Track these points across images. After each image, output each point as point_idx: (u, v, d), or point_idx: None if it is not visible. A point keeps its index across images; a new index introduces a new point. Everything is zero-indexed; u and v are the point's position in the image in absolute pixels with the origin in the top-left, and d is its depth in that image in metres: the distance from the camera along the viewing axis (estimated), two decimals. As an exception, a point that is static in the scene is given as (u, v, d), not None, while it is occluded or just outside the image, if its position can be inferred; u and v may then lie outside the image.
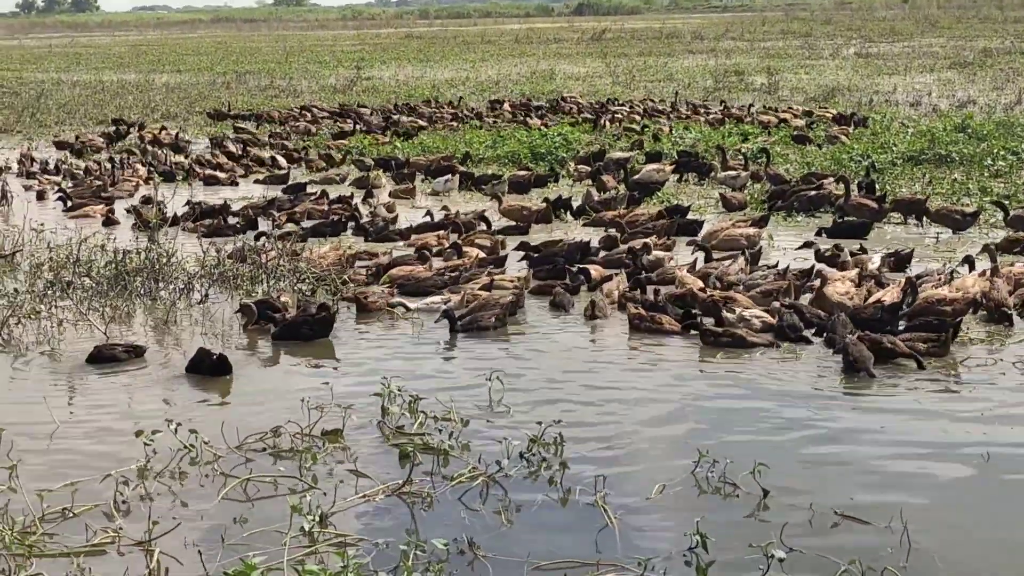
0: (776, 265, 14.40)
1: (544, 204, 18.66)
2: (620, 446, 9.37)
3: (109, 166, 24.25)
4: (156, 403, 10.66)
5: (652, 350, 11.92)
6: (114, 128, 31.80)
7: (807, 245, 15.27)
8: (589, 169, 22.11)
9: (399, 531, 7.93)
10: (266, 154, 25.98)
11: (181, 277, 14.40)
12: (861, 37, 68.68)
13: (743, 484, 8.44)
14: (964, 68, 44.93)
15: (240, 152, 26.54)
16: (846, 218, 17.22)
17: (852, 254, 14.67)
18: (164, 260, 14.58)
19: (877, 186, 19.13)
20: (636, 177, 20.62)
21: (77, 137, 30.66)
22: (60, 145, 29.66)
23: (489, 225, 17.39)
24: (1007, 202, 17.33)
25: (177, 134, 29.76)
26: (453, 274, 14.50)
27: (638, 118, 30.27)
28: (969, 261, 13.80)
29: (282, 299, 13.43)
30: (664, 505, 8.31)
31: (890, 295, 12.64)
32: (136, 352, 11.88)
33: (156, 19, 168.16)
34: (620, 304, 13.22)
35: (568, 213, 18.70)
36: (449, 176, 21.99)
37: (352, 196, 20.51)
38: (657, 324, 12.39)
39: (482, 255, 15.50)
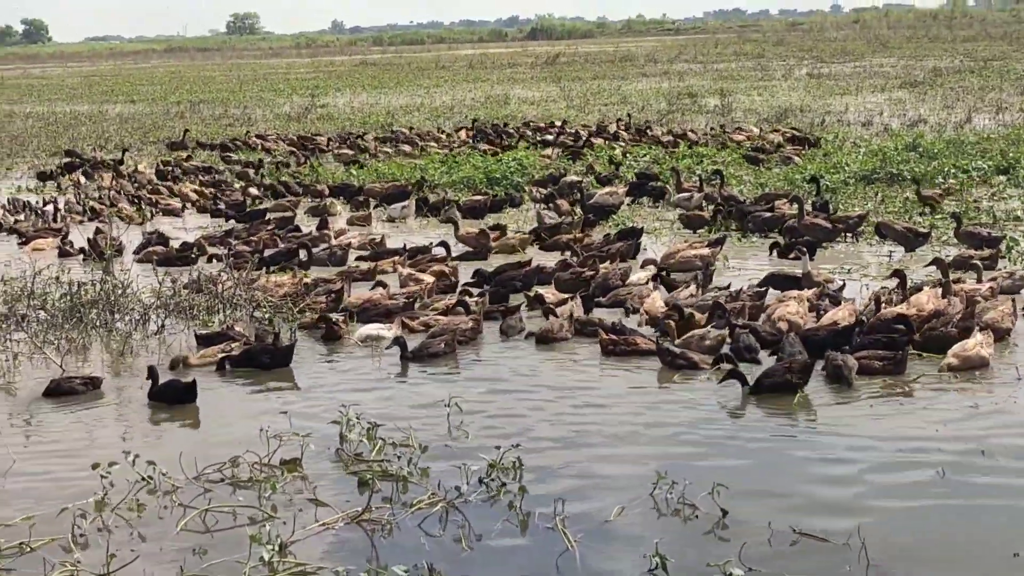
0: (728, 287, 14.45)
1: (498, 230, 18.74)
2: (578, 469, 9.39)
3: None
4: (114, 435, 10.62)
5: (609, 372, 11.97)
6: (66, 160, 31.56)
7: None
8: (545, 192, 22.22)
9: (359, 558, 7.93)
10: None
11: (137, 308, 14.33)
12: (813, 58, 69.31)
13: (702, 505, 8.48)
14: (915, 87, 45.38)
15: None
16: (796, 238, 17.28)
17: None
18: (119, 291, 14.52)
19: (831, 206, 19.30)
20: (592, 201, 20.71)
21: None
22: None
23: (449, 251, 17.39)
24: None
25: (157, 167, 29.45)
26: (408, 300, 14.49)
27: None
28: (899, 276, 13.91)
29: (236, 329, 13.43)
30: (623, 527, 8.33)
31: (843, 315, 12.72)
32: (93, 384, 11.82)
33: (109, 49, 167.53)
34: (577, 328, 13.24)
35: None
36: (405, 203, 22.01)
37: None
38: (632, 345, 12.44)
39: (431, 281, 15.49)
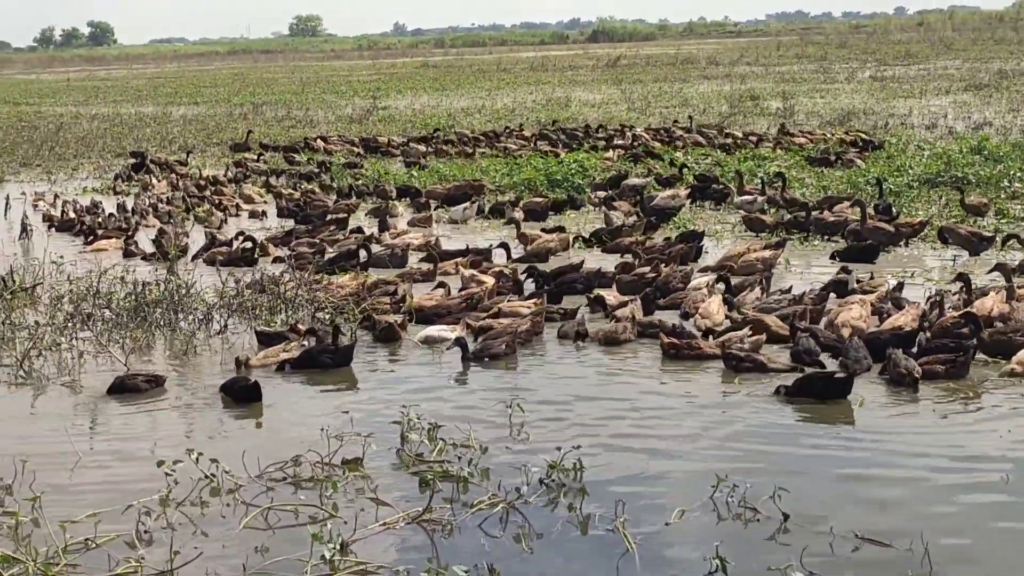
0: (790, 290, 14.41)
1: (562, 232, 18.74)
2: (639, 471, 9.39)
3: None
4: (177, 433, 10.72)
5: (670, 375, 11.95)
6: (133, 161, 31.84)
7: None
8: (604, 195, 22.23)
9: (420, 558, 7.96)
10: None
11: (200, 308, 14.46)
12: (876, 60, 68.78)
13: (763, 508, 8.46)
14: (980, 90, 44.94)
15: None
16: (859, 242, 17.17)
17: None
18: (183, 291, 14.66)
19: (894, 209, 19.17)
20: (653, 203, 20.67)
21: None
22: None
23: (510, 254, 17.40)
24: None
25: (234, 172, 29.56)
26: (469, 302, 14.53)
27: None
28: (964, 279, 13.82)
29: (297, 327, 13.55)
30: (684, 530, 8.32)
31: (906, 319, 12.63)
32: (157, 382, 11.94)
33: (173, 51, 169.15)
34: (639, 331, 13.22)
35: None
36: (467, 204, 22.05)
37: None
38: (696, 349, 12.42)
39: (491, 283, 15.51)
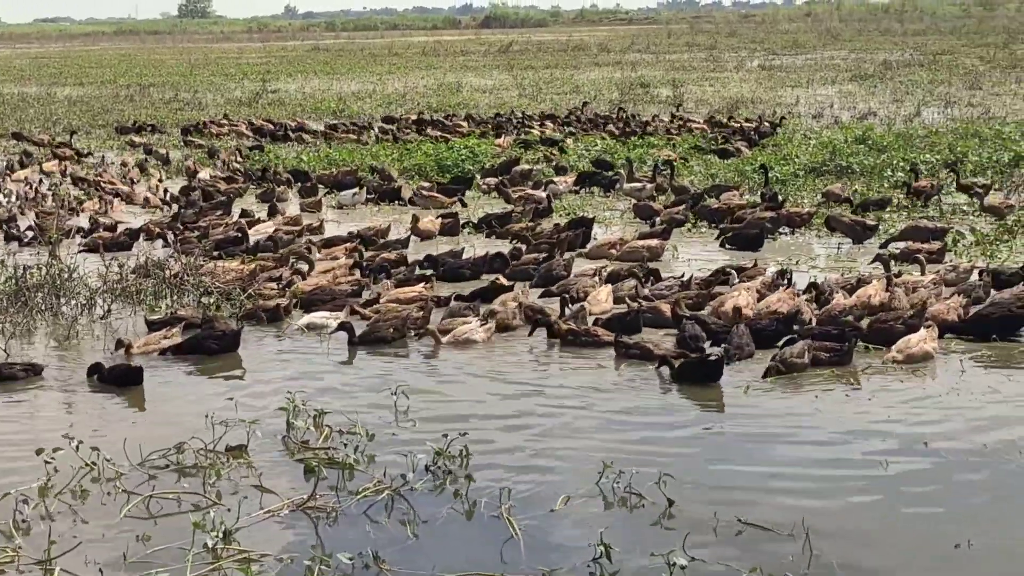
0: (682, 276, 14.54)
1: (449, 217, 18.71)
2: (525, 457, 9.41)
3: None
4: (58, 420, 10.52)
5: (556, 361, 11.99)
6: (14, 142, 31.26)
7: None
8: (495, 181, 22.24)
9: (304, 546, 7.92)
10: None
11: (83, 292, 14.22)
12: (765, 49, 69.57)
13: (648, 494, 8.51)
14: (865, 80, 45.62)
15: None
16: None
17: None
18: (66, 275, 14.40)
19: (780, 197, 19.40)
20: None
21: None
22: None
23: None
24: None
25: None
26: (356, 287, 14.47)
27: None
28: (882, 260, 14.22)
29: (180, 313, 13.40)
30: (569, 516, 8.36)
31: (785, 305, 12.82)
32: (34, 371, 11.70)
33: (58, 31, 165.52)
34: (527, 316, 13.22)
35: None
36: (356, 190, 21.92)
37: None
38: (594, 336, 12.47)
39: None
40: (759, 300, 13.25)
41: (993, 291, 13.38)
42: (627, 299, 13.64)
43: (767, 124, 30.26)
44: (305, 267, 15.33)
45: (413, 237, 17.89)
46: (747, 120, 31.58)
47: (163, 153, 28.52)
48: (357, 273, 15.19)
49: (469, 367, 11.84)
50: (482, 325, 12.71)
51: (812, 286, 13.66)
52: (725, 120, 31.60)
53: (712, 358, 11.20)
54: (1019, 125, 27.92)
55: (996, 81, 43.56)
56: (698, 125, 30.59)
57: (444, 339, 12.54)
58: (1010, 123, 28.73)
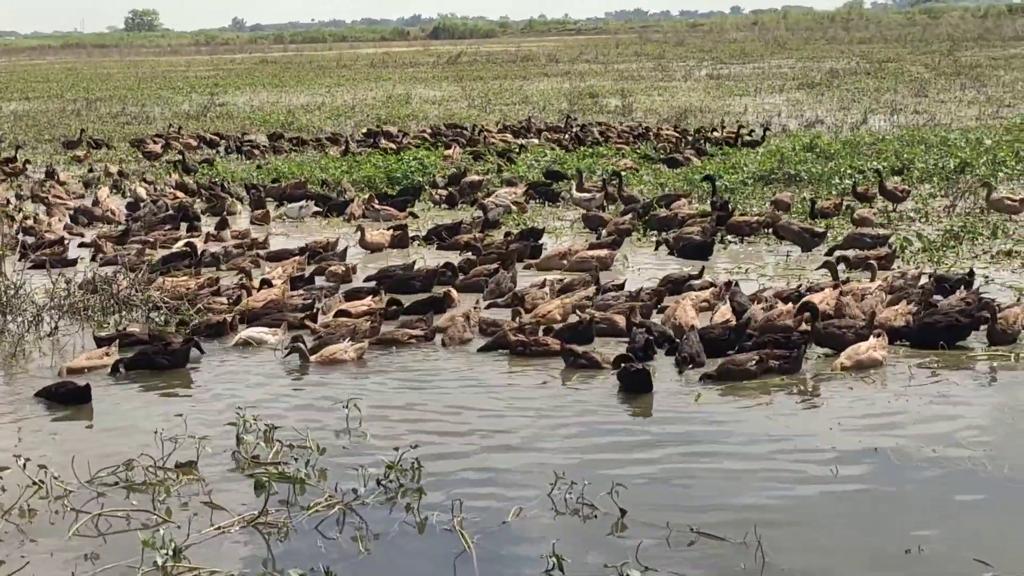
0: (632, 287, 14.57)
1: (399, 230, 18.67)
2: (478, 470, 9.39)
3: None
4: (4, 439, 10.40)
5: (506, 374, 11.98)
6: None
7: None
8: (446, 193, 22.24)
9: (255, 562, 7.87)
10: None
11: (30, 309, 14.08)
12: (712, 59, 69.94)
13: (601, 505, 8.51)
14: (812, 89, 45.98)
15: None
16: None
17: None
18: (12, 292, 14.25)
19: (730, 206, 19.50)
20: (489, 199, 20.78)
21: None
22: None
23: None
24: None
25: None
26: (307, 301, 14.41)
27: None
28: (829, 267, 14.38)
29: (130, 329, 13.29)
30: (522, 528, 8.34)
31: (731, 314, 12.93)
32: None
33: (3, 45, 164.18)
34: (481, 328, 13.22)
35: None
36: (304, 202, 21.84)
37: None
38: (543, 346, 12.47)
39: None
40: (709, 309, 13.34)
41: (939, 296, 13.53)
42: (576, 310, 13.68)
43: (749, 133, 30.26)
44: (254, 282, 15.25)
45: (362, 250, 17.86)
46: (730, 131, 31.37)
47: (113, 170, 28.30)
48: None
49: (422, 380, 11.81)
50: (352, 345, 12.63)
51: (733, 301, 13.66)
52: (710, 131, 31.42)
53: (634, 368, 11.20)
54: (964, 132, 28.21)
55: (941, 88, 44.01)
56: (670, 134, 30.56)
57: (313, 358, 12.47)
58: (955, 130, 29.05)
